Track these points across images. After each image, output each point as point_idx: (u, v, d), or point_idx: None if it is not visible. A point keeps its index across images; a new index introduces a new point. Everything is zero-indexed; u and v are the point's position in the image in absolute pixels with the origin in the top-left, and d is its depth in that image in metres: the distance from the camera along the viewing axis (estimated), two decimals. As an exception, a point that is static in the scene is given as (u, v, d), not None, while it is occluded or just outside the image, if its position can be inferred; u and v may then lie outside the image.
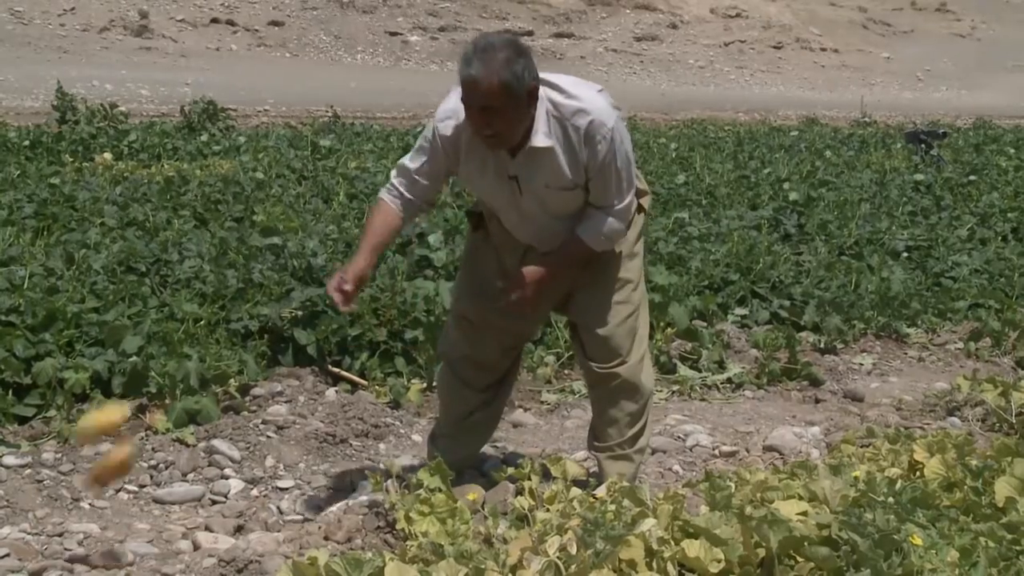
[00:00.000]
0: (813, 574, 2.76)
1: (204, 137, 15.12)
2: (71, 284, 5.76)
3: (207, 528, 3.77)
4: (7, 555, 3.42)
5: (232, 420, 4.68)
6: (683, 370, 5.89)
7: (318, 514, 3.91)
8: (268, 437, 4.59)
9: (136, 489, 4.10)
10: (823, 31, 64.49)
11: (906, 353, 6.73)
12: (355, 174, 11.53)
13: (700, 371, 5.92)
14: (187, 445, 4.43)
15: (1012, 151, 17.86)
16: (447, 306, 5.16)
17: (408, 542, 3.25)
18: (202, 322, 5.52)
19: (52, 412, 4.58)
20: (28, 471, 4.10)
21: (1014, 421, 5.06)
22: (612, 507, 3.16)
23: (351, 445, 4.64)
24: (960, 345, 6.83)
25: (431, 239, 6.97)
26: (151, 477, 4.20)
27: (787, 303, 7.08)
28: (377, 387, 5.27)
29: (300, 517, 3.92)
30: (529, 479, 3.73)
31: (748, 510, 2.91)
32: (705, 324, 6.53)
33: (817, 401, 5.68)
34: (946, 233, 9.57)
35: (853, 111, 33.06)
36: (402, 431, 4.88)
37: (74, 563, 3.42)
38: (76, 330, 5.09)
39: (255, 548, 3.51)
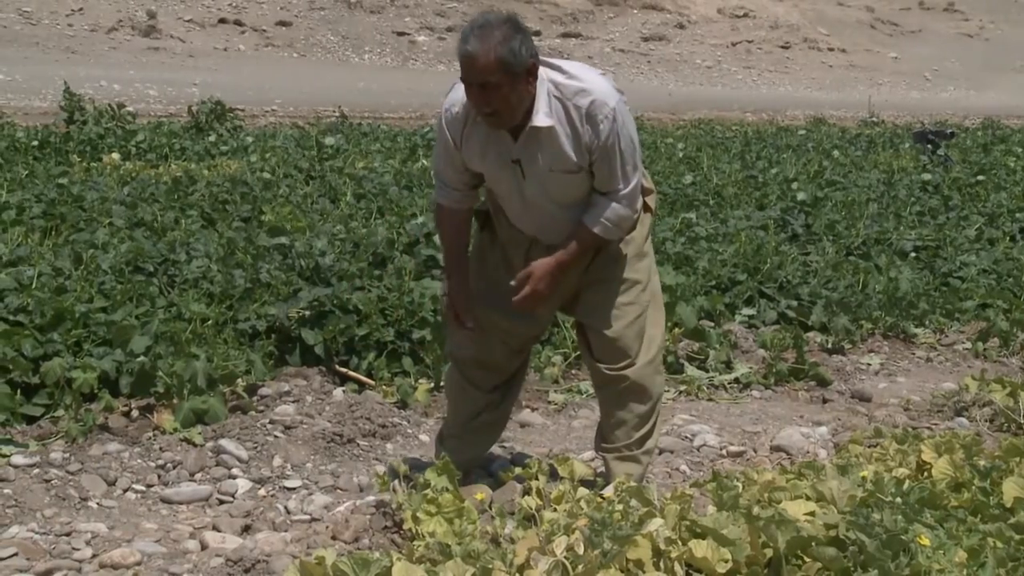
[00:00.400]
0: (820, 574, 2.76)
1: (212, 137, 15.17)
2: (79, 284, 5.77)
3: (214, 528, 3.77)
4: (15, 554, 3.43)
5: (239, 420, 4.68)
6: (690, 370, 5.89)
7: (325, 514, 3.91)
8: (275, 437, 4.59)
9: (144, 489, 4.11)
10: (831, 31, 64.43)
11: (914, 353, 6.72)
12: (362, 174, 11.54)
13: (707, 371, 5.91)
14: (194, 445, 4.44)
15: (1020, 151, 17.84)
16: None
17: (415, 542, 3.25)
18: (210, 322, 5.53)
19: (60, 412, 4.58)
20: (36, 471, 4.10)
21: (1022, 421, 5.05)
22: (619, 507, 3.15)
23: (358, 445, 4.64)
24: (968, 345, 6.82)
25: (438, 239, 6.97)
26: (159, 477, 4.20)
27: (794, 303, 7.07)
28: (384, 387, 5.27)
29: (307, 517, 3.92)
30: (536, 479, 3.72)
31: (755, 510, 2.90)
32: (712, 324, 6.52)
33: (824, 401, 5.67)
34: (954, 233, 9.56)
35: (861, 111, 33.05)
36: (409, 431, 4.88)
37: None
38: (84, 330, 5.10)
39: (262, 548, 3.51)
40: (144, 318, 5.34)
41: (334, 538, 3.60)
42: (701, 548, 2.82)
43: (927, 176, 13.42)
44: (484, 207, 3.97)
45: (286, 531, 3.76)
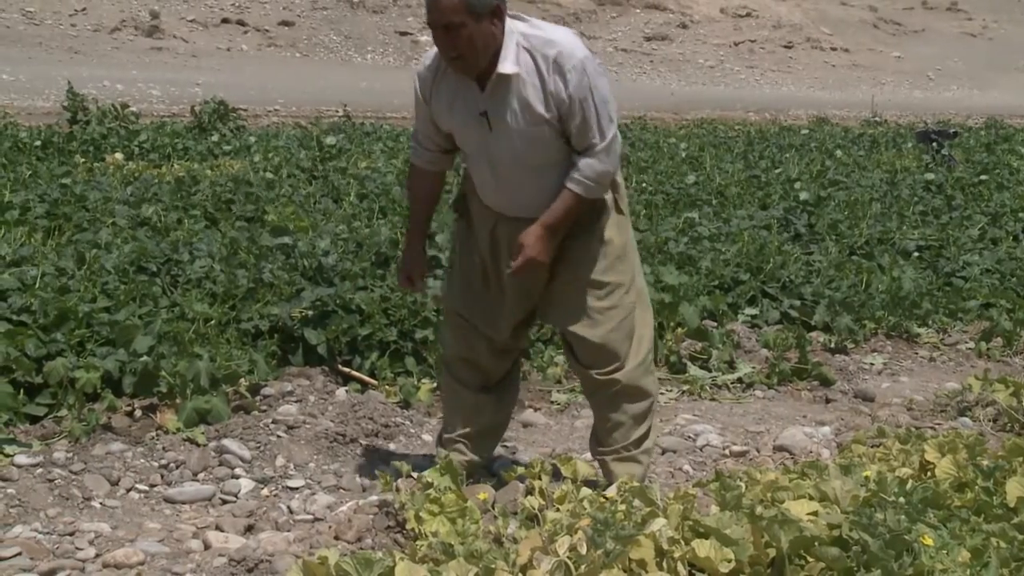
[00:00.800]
0: (824, 574, 2.76)
1: (215, 137, 15.17)
2: (82, 284, 5.77)
3: (218, 527, 3.77)
4: (19, 554, 3.43)
5: (242, 420, 4.68)
6: (693, 370, 5.88)
7: (328, 514, 3.92)
8: (278, 437, 4.59)
9: (147, 488, 4.11)
10: (833, 30, 64.40)
11: (917, 353, 6.72)
12: (365, 174, 11.54)
13: (710, 371, 5.91)
14: (197, 445, 4.44)
15: (1023, 150, 17.80)
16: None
17: (418, 542, 3.25)
18: (212, 322, 5.53)
19: (63, 411, 4.58)
20: (40, 470, 4.11)
21: (1026, 421, 5.04)
22: (622, 507, 3.16)
23: (361, 445, 4.64)
24: (971, 345, 6.82)
25: (439, 239, 6.98)
26: (162, 477, 4.20)
27: (797, 303, 7.07)
28: (387, 387, 5.28)
29: (310, 517, 3.92)
30: (539, 479, 3.73)
31: (759, 510, 2.90)
32: (715, 324, 6.52)
33: (828, 401, 5.67)
34: (957, 233, 9.55)
35: (864, 110, 33.03)
36: (412, 431, 4.88)
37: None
38: (87, 330, 5.10)
39: (265, 548, 3.51)
40: (147, 318, 5.34)
41: (337, 538, 3.60)
42: (704, 548, 2.82)
43: (930, 176, 13.41)
44: (461, 191, 3.99)
45: (289, 531, 3.76)
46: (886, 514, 2.77)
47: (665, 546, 2.88)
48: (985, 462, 3.51)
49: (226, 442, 4.44)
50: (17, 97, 25.67)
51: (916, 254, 8.84)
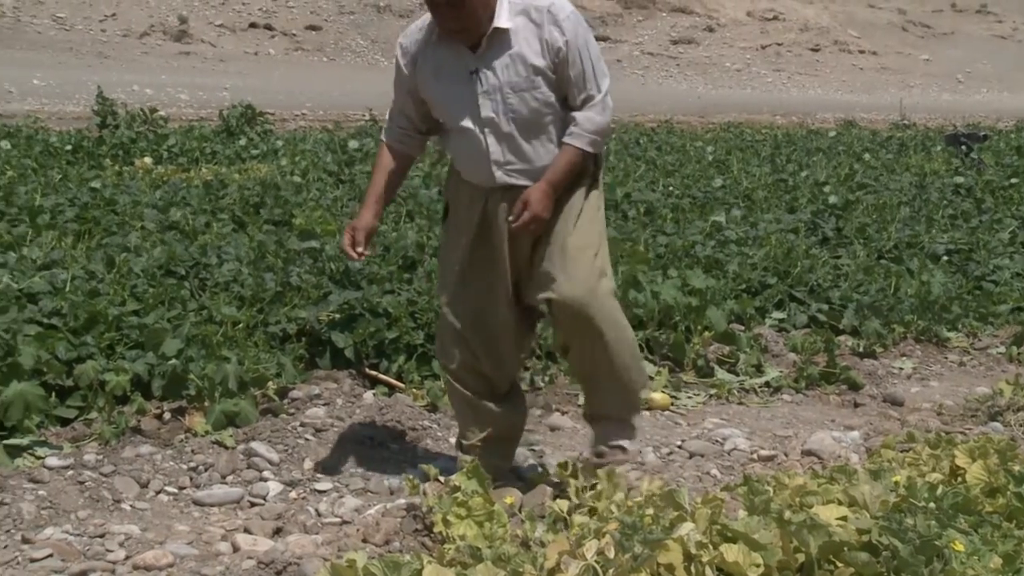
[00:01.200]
0: (853, 580, 2.74)
1: (242, 141, 15.23)
2: (112, 287, 5.81)
3: (246, 530, 3.79)
4: (50, 555, 3.46)
5: (270, 423, 4.70)
6: (721, 374, 5.87)
7: (356, 516, 3.93)
8: (306, 440, 4.61)
9: (176, 491, 4.13)
10: (861, 33, 64.08)
11: (947, 357, 6.67)
12: (392, 178, 11.53)
13: (738, 375, 5.90)
14: (226, 447, 4.46)
15: (1054, 153, 17.64)
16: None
17: (445, 545, 3.25)
18: (240, 325, 5.56)
19: (93, 414, 4.62)
20: (70, 472, 4.14)
21: (1057, 426, 5.00)
22: (650, 511, 3.15)
23: (389, 448, 4.65)
24: (1002, 349, 6.76)
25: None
26: (190, 479, 4.22)
27: (825, 307, 7.03)
28: (414, 390, 5.28)
29: (338, 519, 3.93)
30: (567, 482, 3.72)
31: (787, 515, 2.89)
32: (743, 328, 6.50)
33: (856, 405, 5.64)
34: (987, 236, 9.47)
35: (892, 113, 32.85)
36: (439, 434, 4.88)
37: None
38: (117, 333, 5.14)
39: (293, 550, 3.53)
40: (176, 321, 5.37)
41: (365, 541, 3.61)
42: (732, 552, 2.81)
43: (959, 179, 13.32)
44: (448, 183, 4.02)
45: (317, 534, 3.77)
46: (916, 519, 2.76)
47: (693, 550, 2.87)
48: (1016, 467, 3.48)
49: (254, 445, 4.46)
50: (48, 102, 25.90)
51: (945, 258, 8.77)
